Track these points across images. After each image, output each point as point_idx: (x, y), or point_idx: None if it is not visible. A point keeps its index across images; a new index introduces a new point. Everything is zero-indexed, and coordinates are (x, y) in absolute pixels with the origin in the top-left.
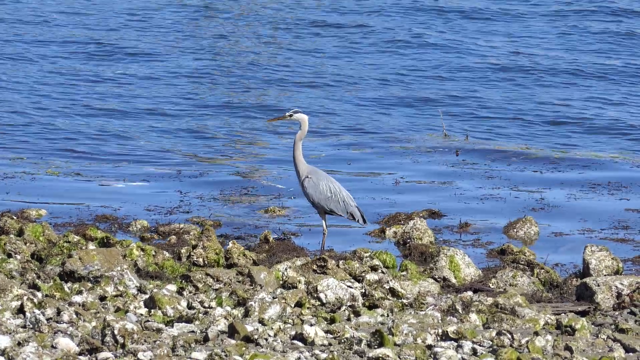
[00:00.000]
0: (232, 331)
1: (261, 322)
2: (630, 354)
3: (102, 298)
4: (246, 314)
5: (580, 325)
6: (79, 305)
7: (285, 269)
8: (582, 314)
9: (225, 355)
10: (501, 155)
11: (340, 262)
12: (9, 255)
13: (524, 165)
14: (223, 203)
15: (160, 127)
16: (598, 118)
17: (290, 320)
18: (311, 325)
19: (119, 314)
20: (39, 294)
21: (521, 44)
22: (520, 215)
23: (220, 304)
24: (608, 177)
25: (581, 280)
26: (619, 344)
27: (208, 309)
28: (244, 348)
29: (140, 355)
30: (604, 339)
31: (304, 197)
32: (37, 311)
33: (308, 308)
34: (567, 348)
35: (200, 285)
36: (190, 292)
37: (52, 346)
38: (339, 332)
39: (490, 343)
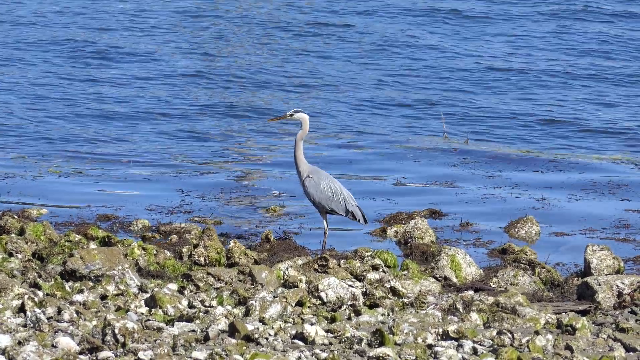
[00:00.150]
0: (232, 330)
1: (262, 321)
2: (631, 353)
3: (103, 297)
4: (247, 313)
5: (581, 324)
6: (80, 304)
7: (287, 268)
8: (583, 313)
9: (226, 355)
10: (501, 156)
11: (342, 261)
12: (10, 255)
13: (524, 165)
14: (224, 202)
15: (160, 127)
16: (598, 119)
17: (291, 320)
18: (312, 324)
19: (120, 313)
20: (40, 293)
21: (520, 45)
22: (521, 215)
23: (221, 303)
24: (609, 177)
25: (582, 280)
26: (619, 344)
27: (209, 308)
28: (244, 347)
29: (140, 354)
30: (604, 338)
31: (305, 197)
32: (37, 310)
33: (309, 307)
34: (568, 347)
35: (201, 285)
36: (191, 291)
37: (53, 345)
38: (339, 331)
39: (491, 342)
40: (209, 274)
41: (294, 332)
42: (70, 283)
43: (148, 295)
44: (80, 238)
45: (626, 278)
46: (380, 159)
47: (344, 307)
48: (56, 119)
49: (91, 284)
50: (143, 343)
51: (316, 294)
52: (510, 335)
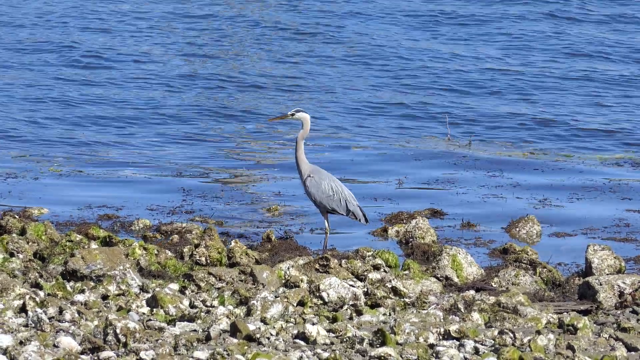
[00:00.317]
0: (234, 330)
1: (263, 321)
2: (633, 352)
3: (105, 297)
4: (248, 313)
5: (582, 324)
6: (81, 304)
7: (288, 268)
8: (585, 312)
9: (227, 354)
10: (503, 157)
11: (343, 261)
12: (12, 255)
13: (525, 166)
14: (225, 202)
15: (160, 128)
16: (598, 119)
17: (292, 319)
18: (313, 324)
19: (121, 312)
20: (41, 293)
21: (519, 47)
22: (522, 215)
23: (222, 303)
24: (609, 177)
25: (583, 279)
26: (621, 343)
27: (210, 308)
28: (246, 347)
29: (142, 354)
30: (606, 337)
31: (306, 197)
32: (39, 310)
33: (310, 307)
34: (570, 347)
35: (202, 284)
36: (192, 291)
37: (54, 345)
38: (341, 331)
39: (493, 342)
40: (210, 273)
41: (295, 332)
42: (71, 283)
43: (149, 295)
44: (82, 238)
45: (627, 278)
46: (381, 160)
47: (346, 306)
48: (56, 120)
49: (92, 284)
50: (144, 343)
51: (317, 294)
52: (511, 335)
